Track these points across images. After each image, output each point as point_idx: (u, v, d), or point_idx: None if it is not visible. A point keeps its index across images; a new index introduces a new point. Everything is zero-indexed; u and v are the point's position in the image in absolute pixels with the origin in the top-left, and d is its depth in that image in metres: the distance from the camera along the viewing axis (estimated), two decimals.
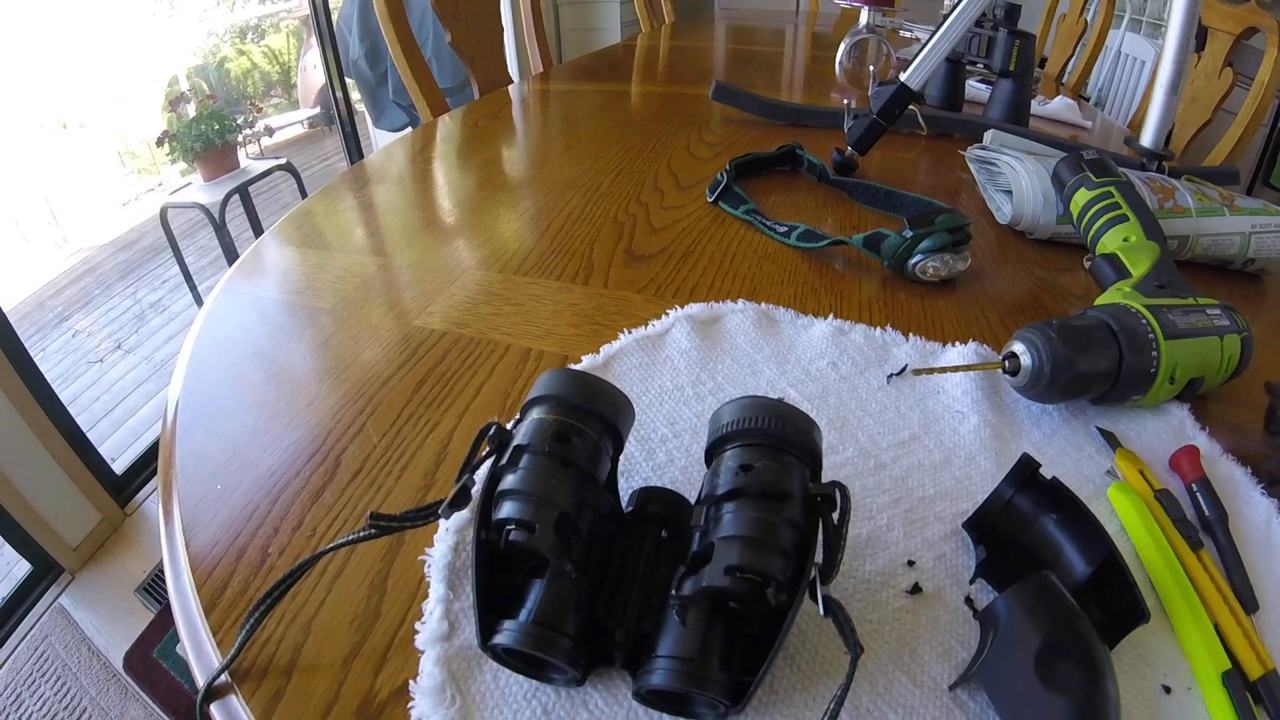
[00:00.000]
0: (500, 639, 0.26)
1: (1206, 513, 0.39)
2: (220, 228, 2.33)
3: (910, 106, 0.82)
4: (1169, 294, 0.48)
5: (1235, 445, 0.44)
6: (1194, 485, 0.41)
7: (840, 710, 0.24)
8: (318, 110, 3.80)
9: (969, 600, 0.33)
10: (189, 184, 2.45)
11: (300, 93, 3.82)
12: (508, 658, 0.28)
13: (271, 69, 3.76)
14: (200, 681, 0.32)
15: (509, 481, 0.28)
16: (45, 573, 1.53)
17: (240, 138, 2.49)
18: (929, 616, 0.33)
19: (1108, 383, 0.44)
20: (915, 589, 0.34)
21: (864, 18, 1.34)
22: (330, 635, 0.33)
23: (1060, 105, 1.25)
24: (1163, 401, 0.47)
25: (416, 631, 0.32)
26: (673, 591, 0.27)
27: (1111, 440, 0.44)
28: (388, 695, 0.30)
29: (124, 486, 1.74)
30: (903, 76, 0.80)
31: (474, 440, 0.30)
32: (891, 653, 0.31)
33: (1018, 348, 0.44)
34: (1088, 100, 2.26)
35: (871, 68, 0.93)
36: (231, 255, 2.50)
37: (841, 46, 1.36)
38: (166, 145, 2.30)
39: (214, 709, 0.31)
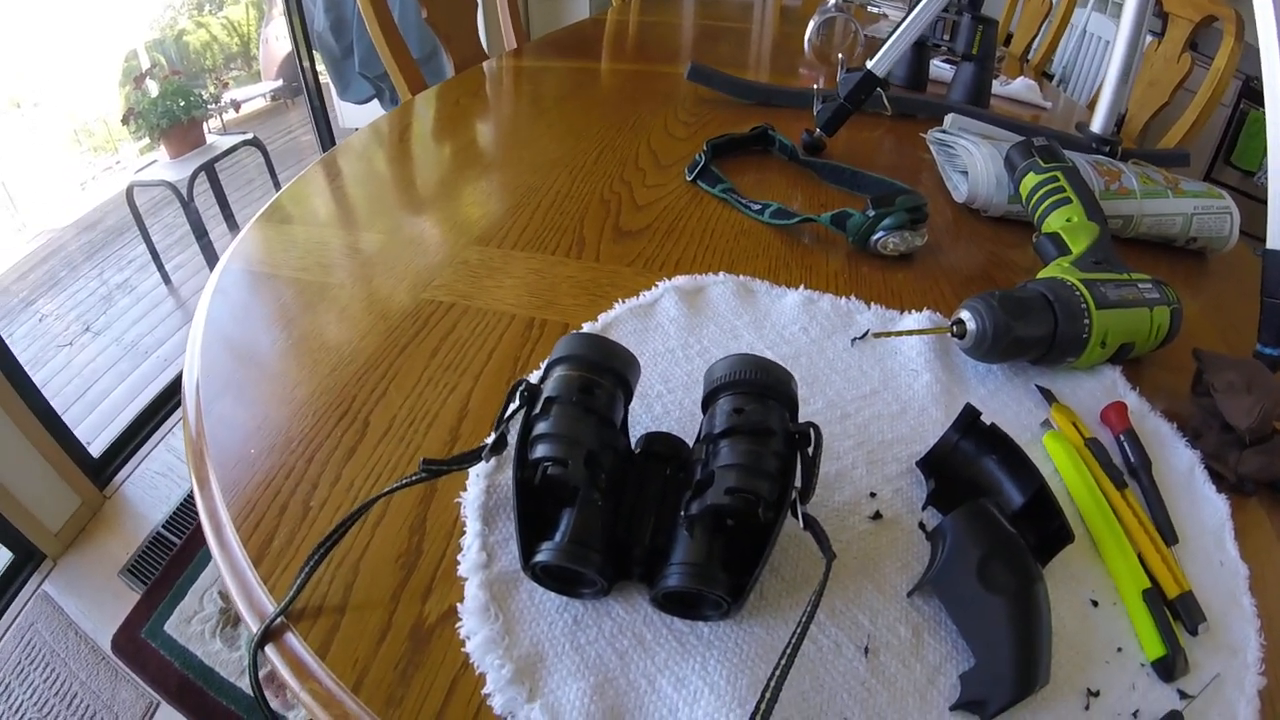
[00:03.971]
0: (541, 557, 0.31)
1: (1132, 459, 0.45)
2: (188, 205, 2.31)
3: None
4: (1104, 269, 0.54)
5: (1165, 405, 0.50)
6: (1122, 436, 0.47)
7: (818, 607, 0.30)
8: (280, 83, 3.73)
9: (921, 525, 0.39)
10: (154, 161, 2.42)
11: (262, 65, 3.73)
12: (544, 577, 0.33)
13: (231, 41, 3.67)
14: (254, 628, 0.35)
15: (542, 427, 0.34)
16: (27, 560, 1.52)
17: (206, 113, 2.46)
18: (889, 538, 0.39)
19: (1044, 346, 0.50)
20: (877, 515, 0.40)
21: None
22: (377, 573, 0.37)
23: (1021, 86, 1.30)
24: (1096, 364, 0.53)
25: (458, 563, 0.37)
26: (681, 512, 0.33)
27: (1048, 396, 0.50)
28: (436, 619, 0.35)
29: (102, 469, 1.72)
30: (870, 64, 0.85)
31: (507, 395, 0.35)
32: (859, 566, 0.37)
33: (964, 315, 0.50)
34: (1051, 78, 2.32)
35: (840, 56, 0.98)
36: (200, 233, 2.48)
37: (810, 25, 1.40)
38: (131, 123, 2.26)
39: (270, 651, 0.35)
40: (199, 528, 1.66)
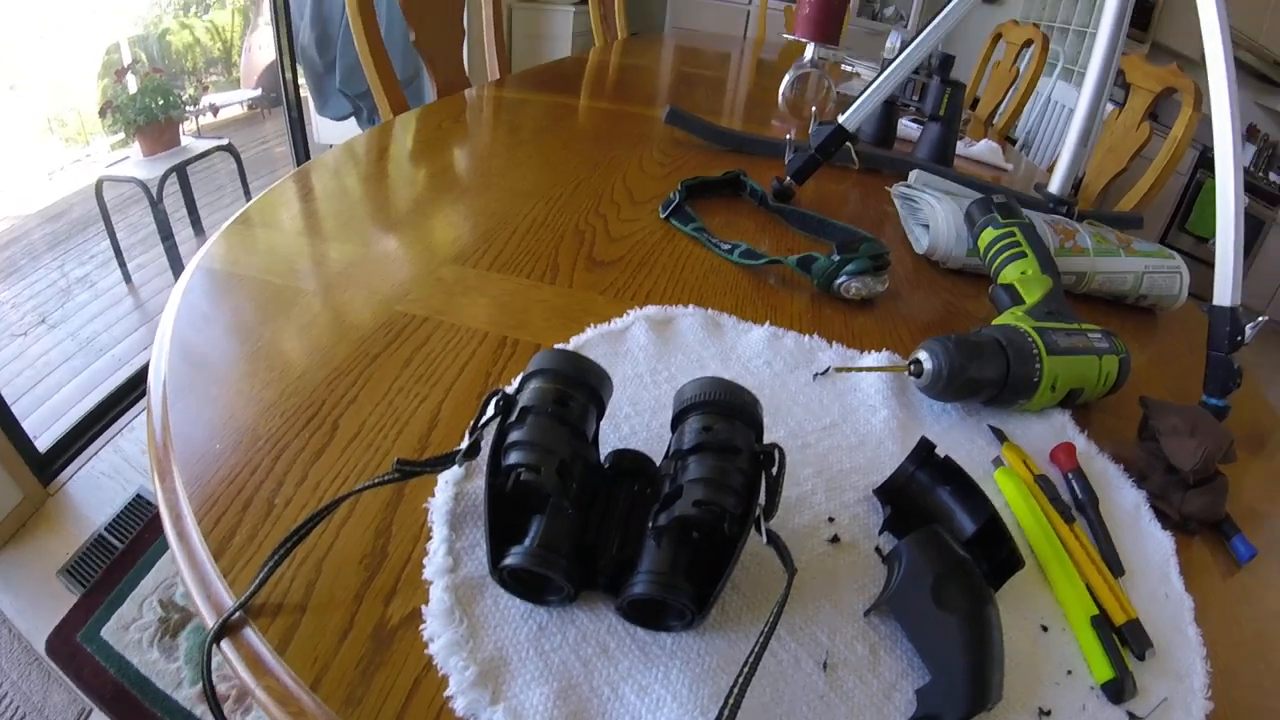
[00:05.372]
0: (510, 561, 0.32)
1: (1079, 495, 0.47)
2: (156, 205, 2.28)
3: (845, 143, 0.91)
4: (1056, 319, 0.57)
5: (1113, 449, 0.53)
6: (1070, 474, 0.49)
7: (779, 620, 0.31)
8: (259, 92, 3.71)
9: (878, 549, 0.41)
10: (126, 158, 2.39)
11: (242, 73, 3.72)
12: (511, 582, 0.34)
13: (213, 45, 3.65)
14: (210, 621, 0.35)
15: (516, 435, 0.35)
16: None
17: (183, 114, 2.44)
18: (846, 560, 0.40)
19: (997, 388, 0.53)
20: (835, 539, 0.42)
21: (809, 52, 1.44)
22: (341, 573, 0.37)
23: (984, 148, 1.36)
24: (1047, 407, 0.55)
25: (423, 567, 0.37)
26: (649, 524, 0.34)
27: (1000, 435, 0.52)
28: (399, 621, 0.35)
29: (47, 465, 1.67)
30: (841, 119, 0.89)
31: (482, 403, 0.36)
32: (817, 586, 0.38)
33: (921, 354, 0.53)
34: (1015, 142, 2.43)
35: (814, 109, 1.02)
36: (166, 234, 2.44)
37: (785, 79, 1.45)
38: (108, 116, 2.23)
39: (225, 646, 0.34)
40: (143, 533, 1.61)
